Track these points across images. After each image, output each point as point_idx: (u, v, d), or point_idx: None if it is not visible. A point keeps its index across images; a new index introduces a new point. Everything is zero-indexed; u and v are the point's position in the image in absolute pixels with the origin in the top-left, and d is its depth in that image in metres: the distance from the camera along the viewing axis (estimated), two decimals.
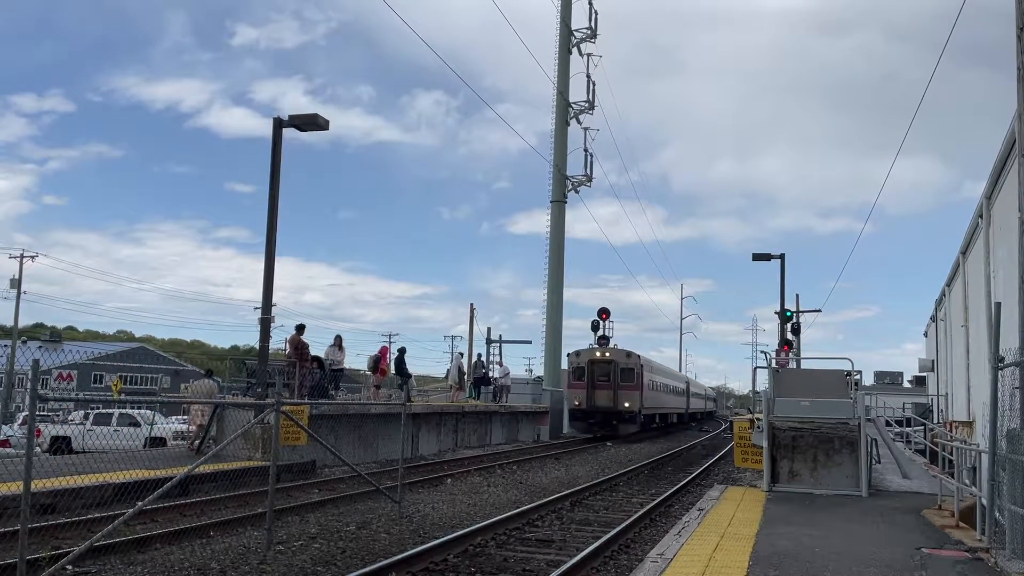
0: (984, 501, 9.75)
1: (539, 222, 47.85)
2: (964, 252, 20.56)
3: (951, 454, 16.83)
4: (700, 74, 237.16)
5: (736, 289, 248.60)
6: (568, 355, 41.83)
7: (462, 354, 44.54)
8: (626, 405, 39.18)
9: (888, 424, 29.93)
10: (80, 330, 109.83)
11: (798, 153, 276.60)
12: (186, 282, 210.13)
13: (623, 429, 39.30)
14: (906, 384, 57.22)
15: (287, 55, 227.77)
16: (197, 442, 19.76)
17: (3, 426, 26.96)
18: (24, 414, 26.34)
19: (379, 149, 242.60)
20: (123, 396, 48.11)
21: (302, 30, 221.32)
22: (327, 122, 18.97)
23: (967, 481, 12.57)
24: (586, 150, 46.50)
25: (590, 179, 46.43)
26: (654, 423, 47.16)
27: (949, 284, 25.32)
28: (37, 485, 10.39)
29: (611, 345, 41.69)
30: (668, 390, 51.05)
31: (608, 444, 34.79)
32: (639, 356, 40.73)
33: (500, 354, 55.08)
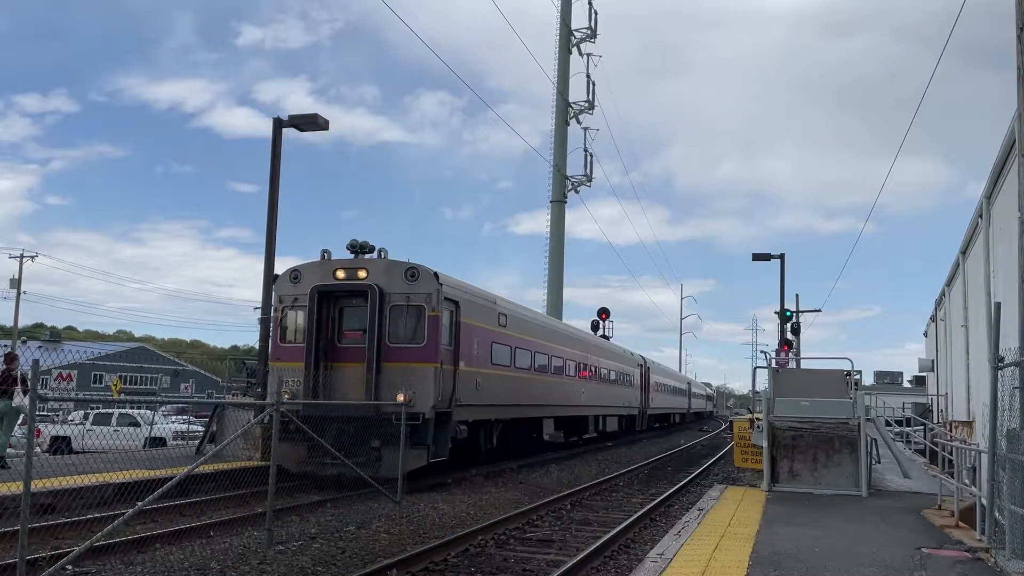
0: (984, 501, 9.75)
1: (541, 222, 47.36)
2: (964, 252, 20.57)
3: (951, 454, 16.83)
4: (705, 74, 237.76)
5: (738, 289, 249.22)
6: (276, 279, 18.28)
7: None
8: (402, 398, 15.69)
9: (888, 424, 29.96)
10: (80, 330, 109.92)
11: (802, 153, 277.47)
12: (188, 282, 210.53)
13: (393, 462, 14.78)
14: (906, 384, 57.25)
15: (292, 55, 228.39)
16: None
17: None
18: (24, 414, 26.32)
19: (383, 149, 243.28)
20: (123, 396, 48.08)
21: (307, 30, 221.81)
22: (327, 122, 19.03)
23: (967, 481, 12.57)
24: (586, 150, 46.50)
25: (590, 179, 46.44)
26: (512, 438, 22.21)
27: (949, 284, 25.32)
28: (37, 485, 10.39)
29: (378, 257, 17.46)
30: (565, 369, 26.44)
31: (609, 443, 34.36)
32: (437, 277, 16.99)
33: None
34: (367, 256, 17.41)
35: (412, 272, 16.73)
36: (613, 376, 34.39)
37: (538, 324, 24.81)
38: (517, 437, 22.78)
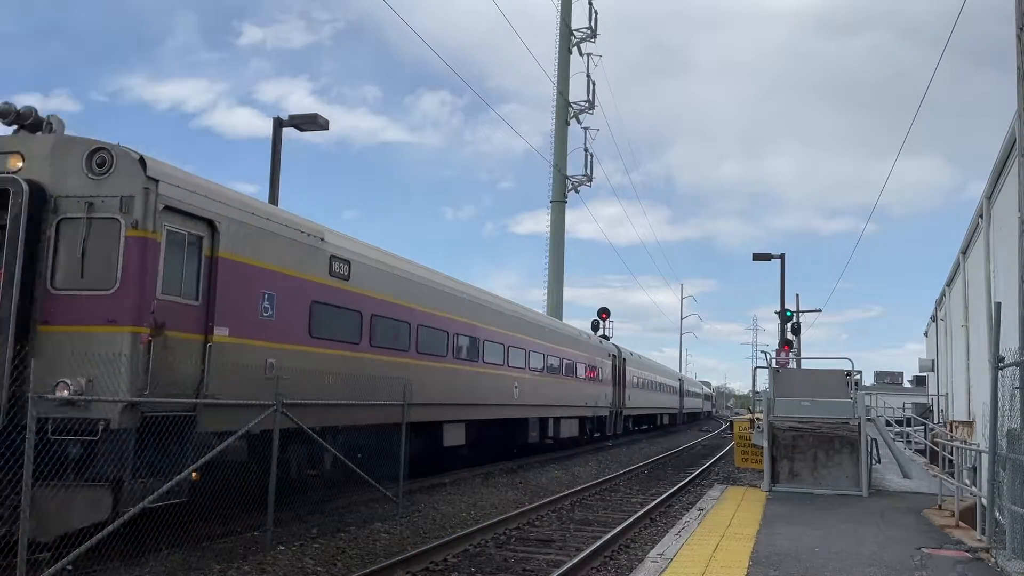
0: (984, 501, 9.76)
1: (542, 222, 46.95)
2: (964, 252, 20.57)
3: (951, 454, 16.83)
4: (706, 74, 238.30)
5: (739, 289, 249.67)
6: None
7: None
8: (65, 392, 8.72)
9: (888, 424, 29.97)
10: None
11: (805, 153, 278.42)
12: None
13: (52, 515, 8.20)
14: (906, 384, 57.32)
15: (293, 55, 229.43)
16: None
17: None
18: None
19: (384, 149, 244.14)
20: None
21: (309, 30, 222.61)
22: (327, 122, 19.00)
23: (967, 481, 12.58)
24: (586, 150, 46.51)
25: (590, 179, 46.46)
26: (377, 451, 13.64)
27: (949, 284, 25.33)
28: None
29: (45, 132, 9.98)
30: (482, 354, 19.86)
31: (608, 443, 34.38)
32: (145, 165, 9.50)
33: None
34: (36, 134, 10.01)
35: (101, 158, 9.59)
36: (569, 367, 27.74)
37: (426, 284, 16.79)
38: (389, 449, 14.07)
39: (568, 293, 44.68)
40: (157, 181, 9.54)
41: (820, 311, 52.75)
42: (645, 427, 46.28)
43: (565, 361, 27.22)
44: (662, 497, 16.13)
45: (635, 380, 38.86)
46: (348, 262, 13.72)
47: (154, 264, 9.48)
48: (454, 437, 17.94)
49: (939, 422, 28.29)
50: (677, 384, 56.03)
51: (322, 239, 13.09)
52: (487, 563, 9.89)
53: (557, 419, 26.25)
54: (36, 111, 10.03)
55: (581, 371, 29.33)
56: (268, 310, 11.61)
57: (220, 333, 10.58)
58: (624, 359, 36.59)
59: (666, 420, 51.71)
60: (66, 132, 10.06)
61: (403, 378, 14.65)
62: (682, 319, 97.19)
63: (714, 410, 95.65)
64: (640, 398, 40.32)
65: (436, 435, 17.13)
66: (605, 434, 33.67)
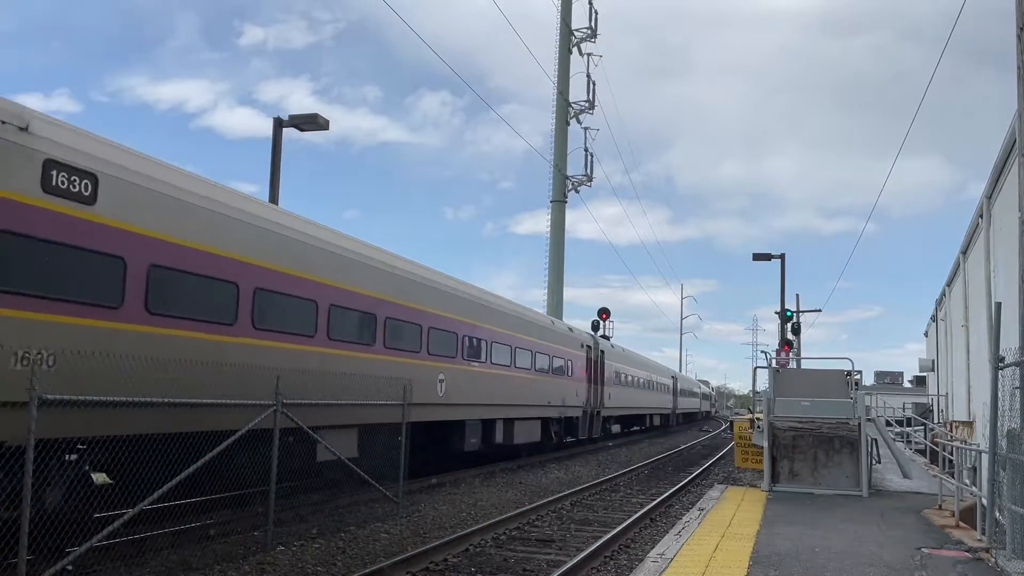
0: (984, 501, 9.76)
1: (542, 222, 46.85)
2: (964, 252, 20.57)
3: (951, 454, 16.84)
4: (707, 74, 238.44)
5: (739, 289, 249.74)
6: None
7: None
8: None
9: (888, 424, 29.97)
10: None
11: (805, 154, 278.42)
12: None
13: None
14: (906, 384, 57.35)
15: (294, 55, 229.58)
16: None
17: None
18: None
19: (385, 149, 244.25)
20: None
21: (310, 30, 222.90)
22: (327, 122, 19.01)
23: (967, 481, 12.59)
24: (586, 150, 46.52)
25: (590, 179, 46.47)
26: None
27: (950, 284, 25.33)
28: None
29: None
30: (383, 335, 14.82)
31: (609, 443, 34.25)
32: None
33: None
34: None
35: None
36: (525, 357, 22.97)
37: (277, 232, 12.00)
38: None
39: (568, 293, 44.68)
40: None
41: (820, 311, 52.82)
42: (636, 428, 43.07)
43: (518, 349, 22.31)
44: (662, 497, 16.13)
45: (616, 376, 34.30)
46: (94, 176, 8.76)
47: None
48: (339, 448, 12.71)
49: (939, 422, 28.30)
50: (670, 382, 51.14)
51: (23, 128, 7.96)
52: (487, 563, 9.89)
53: (509, 421, 21.45)
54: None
55: (543, 363, 24.48)
56: None
57: None
58: (602, 351, 32.11)
59: (657, 421, 47.19)
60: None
61: (235, 363, 10.61)
62: (682, 319, 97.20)
63: (714, 410, 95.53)
64: (623, 396, 35.57)
65: (307, 447, 12.20)
66: (578, 438, 29.23)
